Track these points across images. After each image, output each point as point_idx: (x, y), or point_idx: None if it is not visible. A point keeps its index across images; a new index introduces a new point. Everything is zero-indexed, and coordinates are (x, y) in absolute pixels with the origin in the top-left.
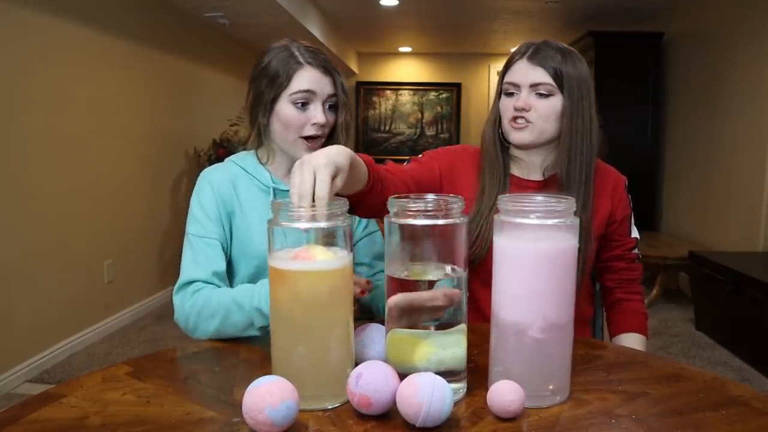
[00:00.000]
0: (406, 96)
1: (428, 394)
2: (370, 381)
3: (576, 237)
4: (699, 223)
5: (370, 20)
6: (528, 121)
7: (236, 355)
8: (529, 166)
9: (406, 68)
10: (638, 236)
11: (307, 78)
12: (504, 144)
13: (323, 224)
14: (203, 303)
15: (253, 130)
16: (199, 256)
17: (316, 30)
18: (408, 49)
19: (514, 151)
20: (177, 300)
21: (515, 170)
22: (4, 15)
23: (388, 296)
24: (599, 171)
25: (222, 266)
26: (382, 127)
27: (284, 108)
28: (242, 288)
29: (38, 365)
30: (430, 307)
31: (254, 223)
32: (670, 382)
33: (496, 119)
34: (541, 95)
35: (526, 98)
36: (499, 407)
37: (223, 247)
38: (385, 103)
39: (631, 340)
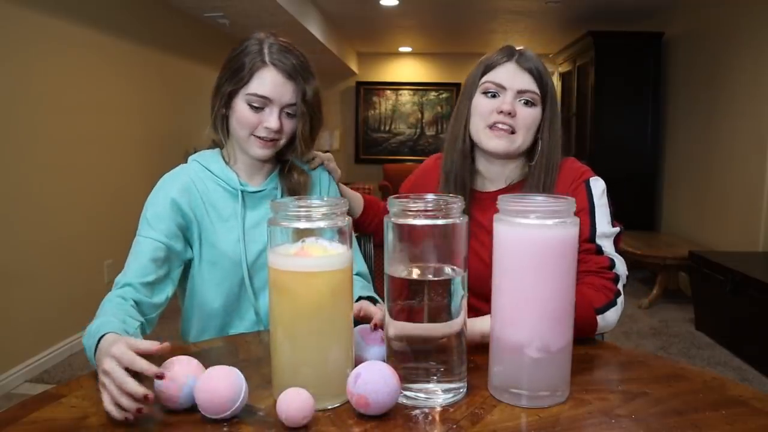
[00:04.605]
0: (406, 96)
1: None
2: (369, 381)
3: (576, 237)
4: (699, 223)
5: (370, 20)
6: (512, 129)
7: (235, 355)
8: (489, 179)
9: (406, 68)
10: (605, 230)
11: (267, 81)
12: (471, 154)
13: (323, 224)
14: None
15: (211, 119)
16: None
17: (316, 30)
18: (408, 49)
19: (479, 164)
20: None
21: (472, 184)
22: (4, 15)
23: (388, 295)
24: (565, 167)
25: (143, 273)
26: (382, 127)
27: (239, 105)
28: (107, 313)
29: (38, 365)
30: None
31: (220, 227)
32: (670, 382)
33: (466, 121)
34: (525, 103)
35: (512, 102)
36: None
37: (161, 250)
38: (385, 103)
39: None
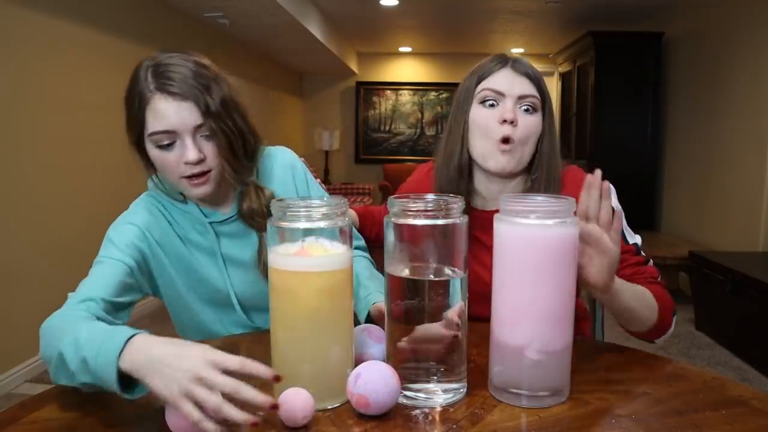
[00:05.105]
0: (406, 96)
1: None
2: (369, 381)
3: (576, 237)
4: (699, 223)
5: (370, 20)
6: (511, 141)
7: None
8: (489, 199)
9: (406, 68)
10: (637, 240)
11: (160, 113)
12: (468, 171)
13: (323, 224)
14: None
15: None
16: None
17: (316, 30)
18: (408, 49)
19: (478, 183)
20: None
21: (470, 202)
22: (4, 15)
23: (388, 295)
24: (568, 177)
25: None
26: (382, 127)
27: (151, 151)
28: (95, 329)
29: (38, 365)
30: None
31: (201, 258)
32: (670, 382)
33: (463, 137)
34: (526, 110)
35: (514, 109)
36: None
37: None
38: (385, 103)
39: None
